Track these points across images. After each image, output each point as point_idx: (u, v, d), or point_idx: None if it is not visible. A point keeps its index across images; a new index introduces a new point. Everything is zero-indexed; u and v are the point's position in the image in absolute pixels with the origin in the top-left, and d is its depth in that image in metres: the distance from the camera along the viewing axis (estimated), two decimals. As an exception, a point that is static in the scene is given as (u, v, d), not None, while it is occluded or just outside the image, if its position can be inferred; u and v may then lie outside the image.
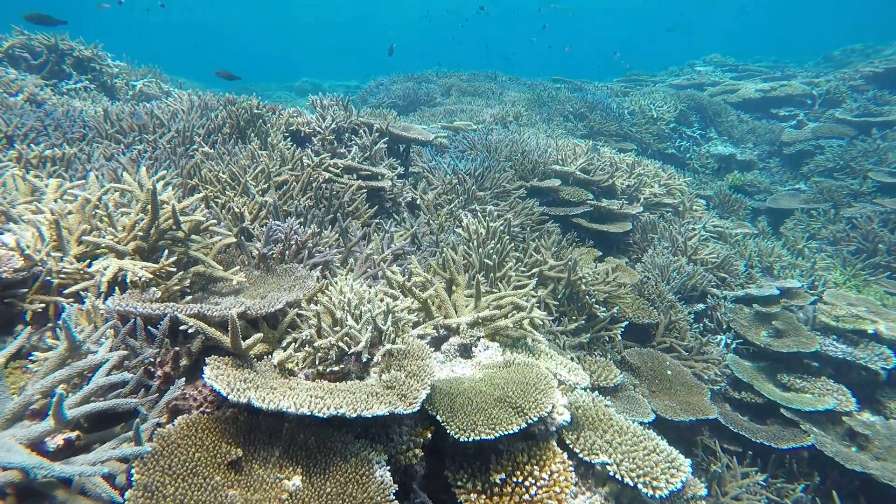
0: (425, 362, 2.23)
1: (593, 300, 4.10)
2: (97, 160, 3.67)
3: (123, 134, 4.14)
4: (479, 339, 2.90)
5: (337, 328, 2.29)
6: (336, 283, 2.87)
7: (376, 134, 4.84)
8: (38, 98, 5.28)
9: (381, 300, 2.51)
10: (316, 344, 2.22)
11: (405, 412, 1.87)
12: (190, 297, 2.57)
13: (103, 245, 2.31)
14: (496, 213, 5.03)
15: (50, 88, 6.59)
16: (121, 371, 1.84)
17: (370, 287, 3.04)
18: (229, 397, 1.71)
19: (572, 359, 3.71)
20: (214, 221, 2.94)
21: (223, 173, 3.79)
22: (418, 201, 5.03)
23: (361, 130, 4.92)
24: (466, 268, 4.21)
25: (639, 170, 6.94)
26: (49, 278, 2.22)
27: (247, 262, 3.15)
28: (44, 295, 2.20)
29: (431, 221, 4.84)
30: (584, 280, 4.07)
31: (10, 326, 2.20)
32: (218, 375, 1.81)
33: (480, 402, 2.28)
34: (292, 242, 3.16)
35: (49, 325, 2.21)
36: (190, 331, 2.00)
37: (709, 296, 5.27)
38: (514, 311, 3.44)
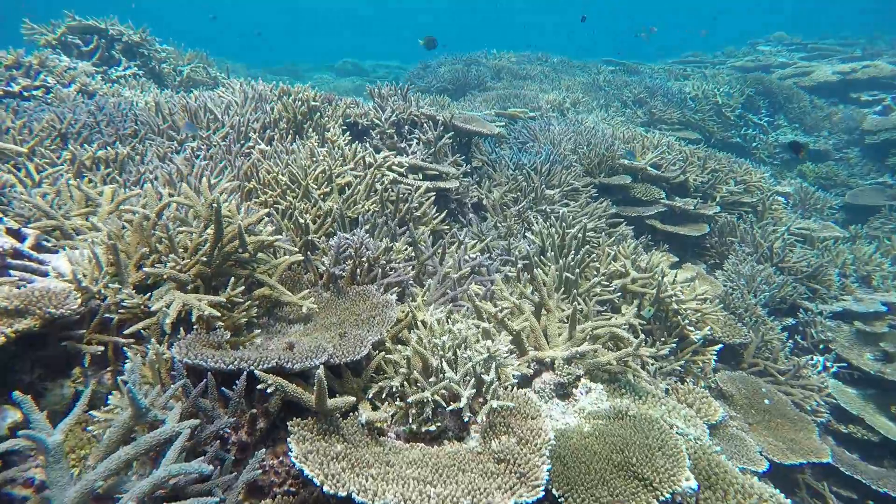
0: (537, 423, 1.89)
1: (686, 321, 3.68)
2: (150, 161, 3.42)
3: (176, 130, 3.87)
4: (578, 378, 2.54)
5: (432, 379, 1.97)
6: (419, 311, 2.55)
7: (441, 129, 4.47)
8: (90, 88, 5.08)
9: (478, 340, 2.17)
10: (410, 399, 1.90)
11: (530, 501, 1.53)
12: (258, 330, 2.28)
13: (165, 276, 2.03)
14: (570, 216, 4.62)
15: (100, 76, 6.43)
16: (193, 442, 1.55)
17: (452, 314, 2.71)
18: (324, 488, 1.41)
19: (667, 390, 3.32)
20: (280, 237, 2.64)
21: (282, 175, 3.49)
22: (484, 201, 4.65)
23: (425, 125, 4.55)
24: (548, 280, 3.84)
25: (713, 164, 6.38)
26: (108, 315, 1.95)
27: (314, 281, 2.85)
28: (102, 334, 1.94)
29: (499, 224, 4.47)
30: (675, 298, 3.64)
31: (68, 368, 1.94)
32: (307, 454, 1.50)
33: (599, 468, 1.93)
34: (364, 259, 2.84)
35: (109, 367, 1.95)
36: (269, 390, 1.69)
37: (801, 310, 4.76)
38: (613, 342, 3.07)
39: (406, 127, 4.80)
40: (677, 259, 5.22)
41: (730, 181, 6.38)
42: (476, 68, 10.40)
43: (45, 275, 2.18)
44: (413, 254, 3.27)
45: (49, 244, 2.39)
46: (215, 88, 7.04)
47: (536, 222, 4.54)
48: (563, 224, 4.26)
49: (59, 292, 1.75)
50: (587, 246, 4.14)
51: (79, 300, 1.80)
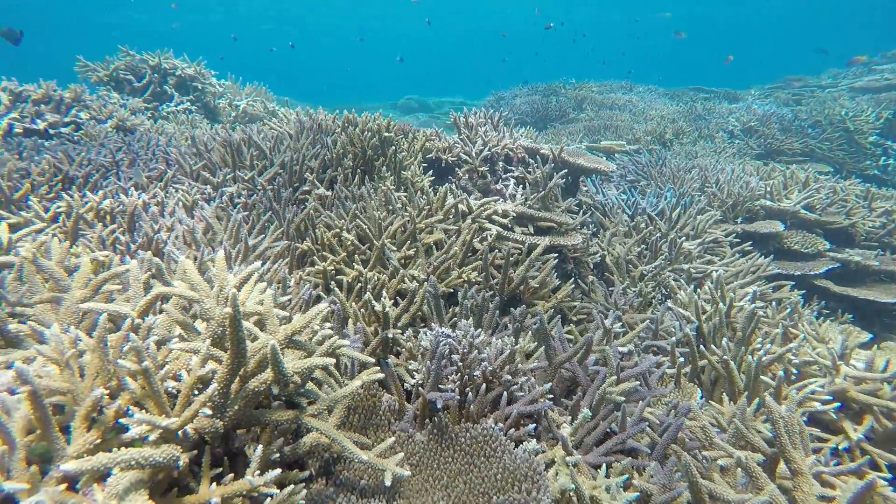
0: None
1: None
2: (173, 213, 2.50)
3: (212, 171, 2.97)
4: None
5: None
6: (581, 474, 1.41)
7: (550, 166, 3.38)
8: (129, 125, 4.36)
9: None
10: None
11: None
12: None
13: (122, 464, 1.00)
14: (721, 276, 3.41)
15: (151, 112, 5.83)
16: None
17: (634, 479, 1.56)
18: None
19: None
20: (345, 342, 1.58)
21: (347, 232, 2.48)
22: (606, 258, 3.50)
23: (529, 160, 3.48)
24: (712, 379, 2.62)
25: (886, 205, 4.99)
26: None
27: (398, 406, 1.77)
28: None
29: (628, 290, 3.30)
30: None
31: None
32: None
33: None
34: (476, 373, 1.75)
35: None
36: None
37: None
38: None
39: (500, 163, 3.76)
40: (869, 336, 3.84)
41: (909, 225, 4.96)
42: (556, 98, 9.37)
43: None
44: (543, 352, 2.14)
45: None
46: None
47: (681, 289, 3.35)
48: (722, 292, 3.05)
49: None
50: (778, 329, 2.90)
51: None
